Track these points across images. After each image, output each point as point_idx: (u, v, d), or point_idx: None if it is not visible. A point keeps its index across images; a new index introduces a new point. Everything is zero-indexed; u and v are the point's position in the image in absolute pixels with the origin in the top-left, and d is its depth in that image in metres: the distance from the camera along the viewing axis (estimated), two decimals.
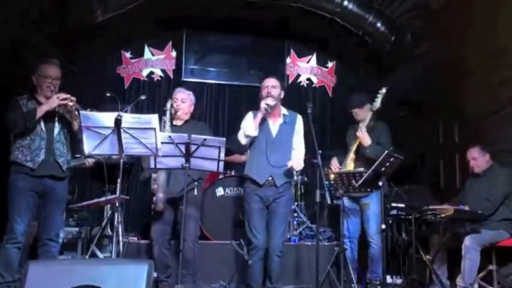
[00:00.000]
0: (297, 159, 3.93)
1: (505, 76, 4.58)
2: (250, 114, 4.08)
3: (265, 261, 3.93)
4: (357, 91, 4.99)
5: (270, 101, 3.88)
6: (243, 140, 3.97)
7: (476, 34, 4.62)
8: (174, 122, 4.17)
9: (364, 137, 4.34)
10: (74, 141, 3.76)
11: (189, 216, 3.88)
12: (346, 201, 4.38)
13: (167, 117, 4.08)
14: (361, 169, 4.13)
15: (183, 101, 4.20)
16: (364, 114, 4.51)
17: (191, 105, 4.28)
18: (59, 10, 4.47)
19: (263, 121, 3.94)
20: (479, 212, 4.33)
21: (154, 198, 3.89)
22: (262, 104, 3.88)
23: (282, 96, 4.06)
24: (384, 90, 4.31)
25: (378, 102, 4.33)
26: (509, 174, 4.50)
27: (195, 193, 4.02)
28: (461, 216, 4.35)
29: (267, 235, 3.90)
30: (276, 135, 3.97)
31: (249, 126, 3.92)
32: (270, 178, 3.88)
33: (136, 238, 4.62)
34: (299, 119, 4.09)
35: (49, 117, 3.63)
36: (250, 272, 3.89)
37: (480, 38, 4.60)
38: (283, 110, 4.08)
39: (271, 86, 3.99)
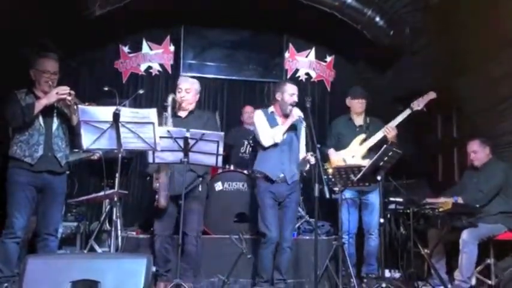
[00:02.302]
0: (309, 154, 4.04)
1: (504, 70, 4.58)
2: (261, 114, 4.18)
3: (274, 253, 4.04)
4: (362, 86, 5.03)
5: (301, 114, 4.02)
6: (268, 143, 4.06)
7: (475, 28, 4.60)
8: (178, 113, 4.07)
9: (394, 134, 4.47)
10: (73, 136, 3.75)
11: (192, 211, 3.91)
12: (348, 194, 4.41)
13: (168, 113, 3.93)
14: (360, 162, 4.19)
15: (188, 91, 4.05)
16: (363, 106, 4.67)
17: (196, 95, 4.13)
18: (56, 4, 4.44)
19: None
20: (475, 204, 4.35)
21: (156, 196, 3.88)
22: (295, 116, 4.00)
23: None
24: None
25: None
26: (506, 168, 4.52)
27: (200, 189, 4.01)
28: (459, 210, 4.36)
29: (279, 229, 4.03)
30: (287, 136, 4.11)
31: (279, 133, 4.04)
32: (282, 175, 4.03)
33: (135, 233, 4.61)
34: (303, 124, 4.22)
35: (48, 112, 3.62)
36: (262, 264, 4.02)
37: (479, 32, 4.59)
38: None
39: (296, 95, 4.13)
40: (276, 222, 4.03)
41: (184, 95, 4.04)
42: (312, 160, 3.98)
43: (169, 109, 3.95)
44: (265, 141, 4.07)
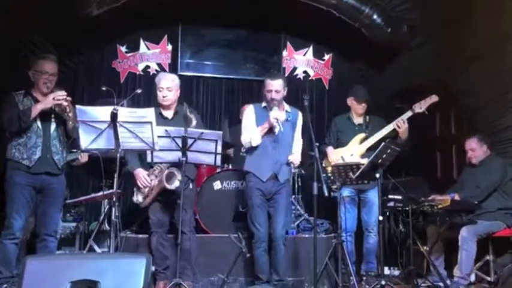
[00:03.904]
0: (295, 155, 4.02)
1: (500, 67, 4.58)
2: (251, 111, 4.12)
3: (269, 253, 4.01)
4: (360, 84, 5.02)
5: (279, 116, 3.87)
6: (246, 145, 4.05)
7: (473, 25, 4.61)
8: (164, 114, 4.00)
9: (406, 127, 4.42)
10: (67, 139, 3.75)
11: (185, 210, 3.90)
12: (347, 192, 4.42)
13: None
14: (358, 161, 4.19)
15: (169, 90, 3.94)
16: (364, 109, 4.65)
17: (177, 91, 4.02)
18: (54, 4, 4.43)
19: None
20: (471, 200, 4.36)
21: (139, 196, 3.95)
22: (272, 119, 3.86)
23: (285, 93, 4.09)
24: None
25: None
26: (504, 164, 4.53)
27: (190, 187, 4.05)
28: (458, 207, 4.37)
29: (270, 225, 4.00)
30: (280, 133, 3.99)
31: (256, 135, 3.95)
32: (273, 173, 3.97)
33: (134, 233, 4.61)
34: (300, 116, 4.17)
35: (45, 114, 3.62)
36: (257, 264, 3.97)
37: (477, 28, 4.59)
38: (286, 107, 4.14)
39: (275, 90, 3.99)
40: (264, 220, 3.97)
41: (166, 94, 3.94)
42: (295, 163, 3.98)
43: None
44: (244, 142, 4.05)
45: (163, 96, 3.95)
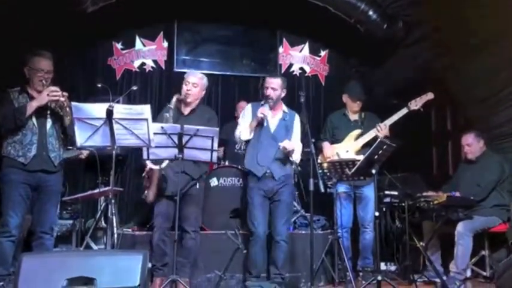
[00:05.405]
0: (289, 143, 3.99)
1: (496, 63, 4.59)
2: (249, 109, 4.18)
3: (269, 248, 4.06)
4: (357, 82, 5.03)
5: (267, 112, 3.95)
6: (237, 139, 4.19)
7: (467, 21, 4.61)
8: (182, 109, 4.01)
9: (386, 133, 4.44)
10: (65, 136, 3.73)
11: (190, 208, 3.95)
12: (342, 188, 4.43)
13: (170, 115, 3.85)
14: (354, 157, 4.21)
15: (195, 86, 3.97)
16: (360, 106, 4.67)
17: (202, 91, 4.06)
18: (48, 1, 4.41)
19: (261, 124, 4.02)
20: (471, 198, 4.37)
21: (145, 192, 3.94)
22: (259, 114, 3.94)
23: (283, 95, 4.15)
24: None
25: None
26: (501, 160, 4.55)
27: (197, 186, 4.03)
28: (454, 203, 4.39)
29: (271, 223, 4.05)
30: (275, 130, 4.08)
31: (244, 130, 4.04)
32: (268, 171, 3.99)
33: (130, 230, 4.61)
34: (297, 118, 4.21)
35: (41, 111, 3.59)
36: (250, 259, 4.02)
37: (472, 25, 4.60)
38: (284, 108, 4.19)
39: (272, 88, 4.06)
40: (263, 218, 4.01)
41: (190, 88, 3.97)
42: (288, 148, 3.93)
43: (171, 111, 3.88)
44: (235, 136, 4.18)
45: (187, 90, 3.97)
